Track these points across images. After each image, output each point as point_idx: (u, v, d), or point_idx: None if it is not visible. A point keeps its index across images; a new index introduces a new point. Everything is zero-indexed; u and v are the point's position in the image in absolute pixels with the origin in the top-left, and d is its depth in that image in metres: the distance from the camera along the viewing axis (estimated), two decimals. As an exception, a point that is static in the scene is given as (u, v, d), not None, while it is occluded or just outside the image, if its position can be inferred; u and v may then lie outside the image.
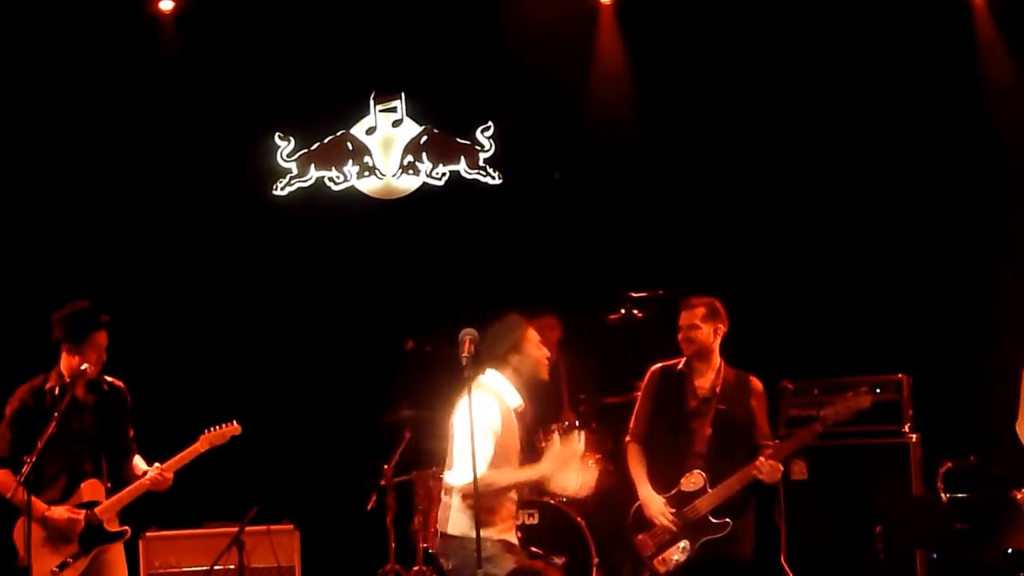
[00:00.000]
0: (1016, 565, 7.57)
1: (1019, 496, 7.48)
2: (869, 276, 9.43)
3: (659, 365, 7.71)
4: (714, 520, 7.36)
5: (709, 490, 7.36)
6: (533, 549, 8.11)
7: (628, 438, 7.71)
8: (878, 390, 8.65)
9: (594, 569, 8.49)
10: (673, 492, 7.43)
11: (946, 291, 9.38)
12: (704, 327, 7.54)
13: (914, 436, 8.58)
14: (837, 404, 7.45)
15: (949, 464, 8.25)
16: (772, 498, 8.65)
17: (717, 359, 7.59)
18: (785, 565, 8.47)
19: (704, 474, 7.39)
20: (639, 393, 7.76)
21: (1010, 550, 7.63)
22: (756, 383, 7.61)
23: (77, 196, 9.78)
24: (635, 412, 7.74)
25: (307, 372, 9.81)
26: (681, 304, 7.65)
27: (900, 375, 8.66)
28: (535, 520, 8.50)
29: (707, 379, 7.56)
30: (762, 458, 7.31)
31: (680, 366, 7.61)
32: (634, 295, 9.03)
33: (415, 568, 8.85)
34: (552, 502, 8.52)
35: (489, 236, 9.95)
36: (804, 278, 9.47)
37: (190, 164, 9.89)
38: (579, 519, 8.57)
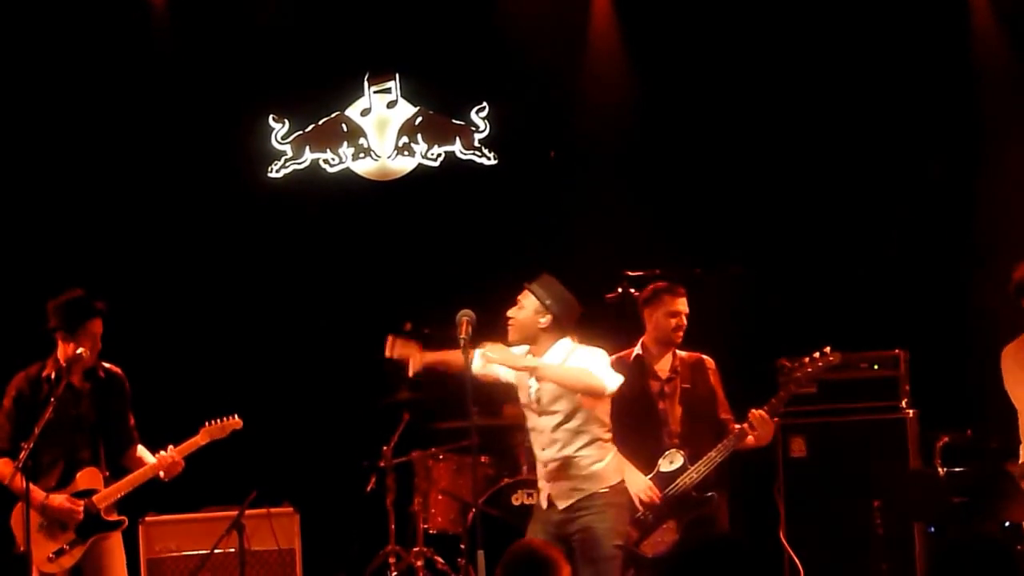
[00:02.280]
0: (1013, 538, 7.59)
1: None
2: (865, 252, 9.44)
3: (613, 357, 7.54)
4: (698, 496, 7.35)
5: (690, 467, 7.34)
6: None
7: None
8: (876, 366, 8.70)
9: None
10: (652, 475, 7.36)
11: (942, 266, 9.38)
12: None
13: (911, 411, 8.60)
14: (807, 365, 7.49)
15: (946, 439, 8.28)
16: (772, 475, 8.69)
17: None
18: (784, 541, 8.48)
19: (682, 452, 7.38)
20: None
21: (1007, 523, 7.65)
22: (710, 361, 7.64)
23: (71, 183, 9.76)
24: None
25: (305, 355, 9.81)
26: (666, 289, 7.58)
27: (897, 351, 8.68)
28: (535, 499, 8.50)
29: (666, 361, 7.56)
30: (755, 412, 7.28)
31: (636, 353, 7.59)
32: (631, 274, 9.03)
33: (415, 549, 8.86)
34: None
35: (485, 216, 9.94)
36: (800, 256, 9.48)
37: (184, 148, 9.86)
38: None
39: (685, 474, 7.34)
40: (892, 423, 8.59)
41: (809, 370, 7.50)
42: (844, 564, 8.37)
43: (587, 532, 6.66)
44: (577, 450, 6.70)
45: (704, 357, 7.65)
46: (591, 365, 6.66)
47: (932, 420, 8.58)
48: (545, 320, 6.71)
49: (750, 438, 7.33)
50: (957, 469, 8.16)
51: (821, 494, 8.54)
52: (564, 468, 6.70)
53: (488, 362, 6.74)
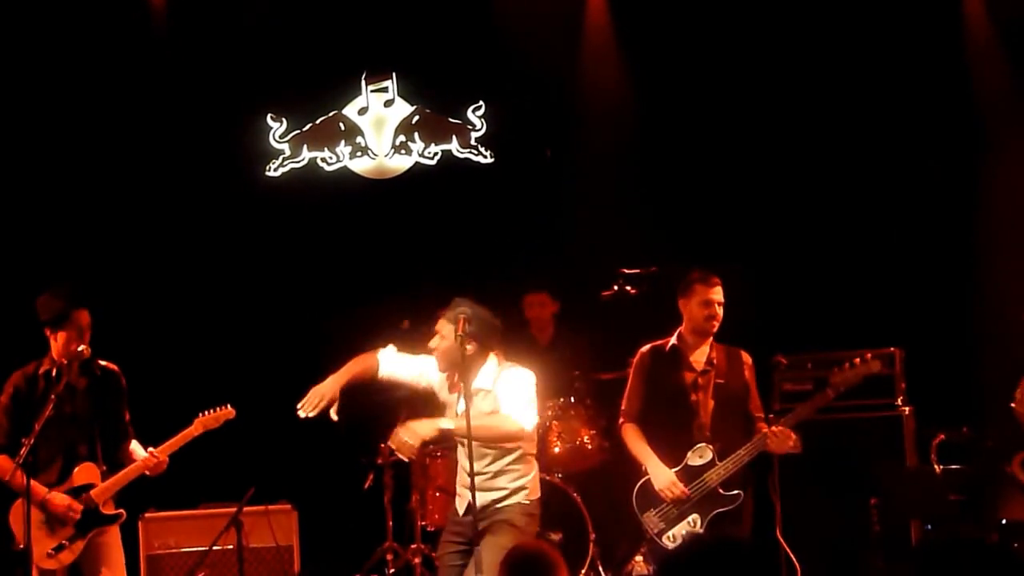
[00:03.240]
0: (1011, 535, 7.61)
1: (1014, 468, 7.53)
2: (860, 249, 9.46)
3: (648, 345, 7.58)
4: (724, 492, 7.29)
5: (718, 463, 7.29)
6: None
7: (622, 419, 7.55)
8: (871, 364, 8.71)
9: (591, 544, 8.53)
10: (680, 467, 7.31)
11: (937, 263, 9.41)
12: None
13: (907, 409, 8.62)
14: (847, 371, 7.32)
15: (942, 436, 8.29)
16: (767, 473, 8.70)
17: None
18: (781, 539, 8.49)
19: (711, 447, 7.32)
20: (629, 374, 7.64)
21: (1004, 520, 7.68)
22: (746, 355, 7.56)
23: (69, 180, 9.78)
24: (627, 393, 7.60)
25: (302, 352, 9.80)
26: (700, 279, 7.45)
27: (892, 348, 8.69)
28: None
29: (702, 352, 7.46)
30: (775, 427, 7.24)
31: (672, 343, 7.51)
32: (627, 271, 9.05)
33: (412, 546, 8.89)
34: (547, 478, 8.55)
35: (482, 214, 9.96)
36: (795, 252, 9.50)
37: (183, 146, 9.90)
38: (575, 495, 8.60)
39: (713, 470, 7.28)
40: (888, 420, 8.60)
41: (847, 375, 7.33)
42: (841, 562, 8.38)
43: (487, 541, 6.43)
44: (507, 464, 6.59)
45: (741, 351, 7.56)
46: (512, 399, 6.53)
47: (928, 417, 8.60)
48: (470, 347, 6.55)
49: (771, 442, 7.27)
50: (954, 466, 8.18)
51: (817, 492, 8.54)
52: (491, 480, 6.57)
53: (399, 451, 6.57)
